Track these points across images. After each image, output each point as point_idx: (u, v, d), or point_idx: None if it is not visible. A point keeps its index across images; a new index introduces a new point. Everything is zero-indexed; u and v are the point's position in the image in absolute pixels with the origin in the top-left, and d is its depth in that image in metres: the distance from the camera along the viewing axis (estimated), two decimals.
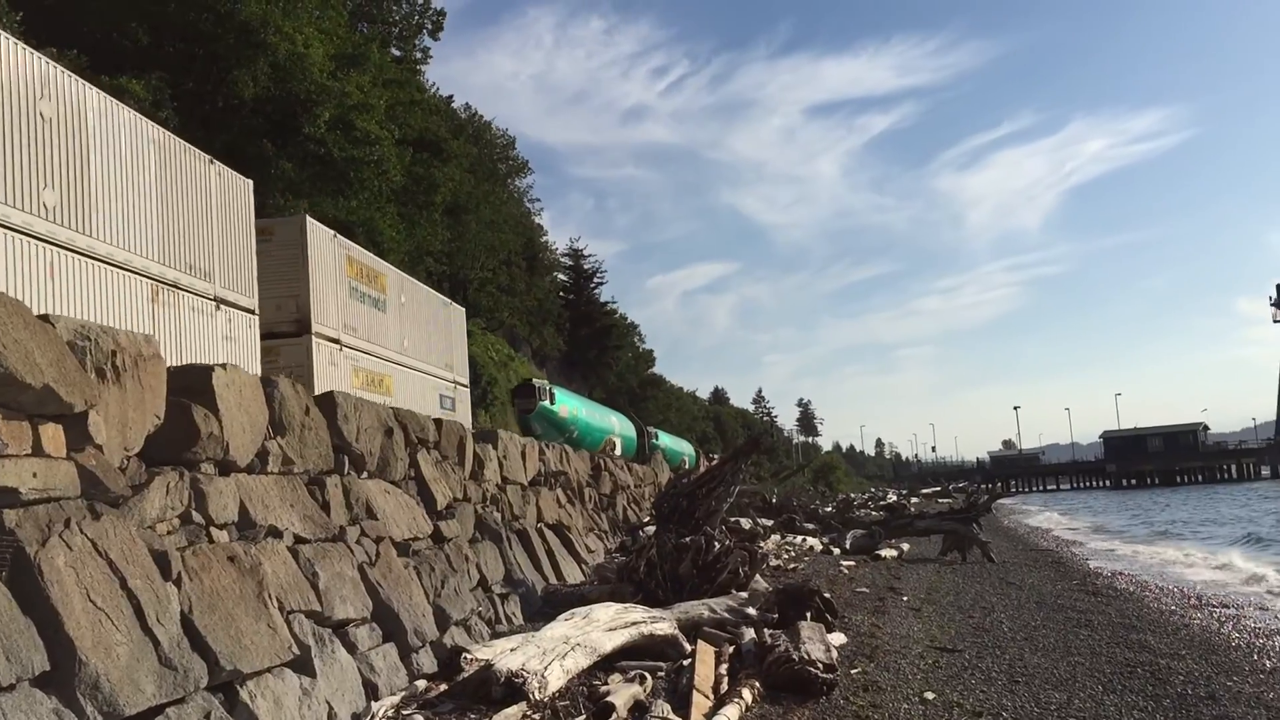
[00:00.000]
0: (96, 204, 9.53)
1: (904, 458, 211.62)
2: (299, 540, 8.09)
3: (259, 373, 10.52)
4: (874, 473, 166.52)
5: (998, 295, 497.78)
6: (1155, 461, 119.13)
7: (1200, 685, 9.59)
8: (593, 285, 62.94)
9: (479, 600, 11.50)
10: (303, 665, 7.13)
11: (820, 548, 24.06)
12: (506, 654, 8.03)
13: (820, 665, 8.75)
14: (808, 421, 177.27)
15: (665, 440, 47.59)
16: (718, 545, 13.43)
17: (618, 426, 36.15)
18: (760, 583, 14.38)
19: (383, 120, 24.76)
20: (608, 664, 8.97)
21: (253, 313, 12.46)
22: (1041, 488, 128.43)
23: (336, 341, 14.53)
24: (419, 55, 35.33)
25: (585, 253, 63.74)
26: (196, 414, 7.17)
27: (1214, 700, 8.97)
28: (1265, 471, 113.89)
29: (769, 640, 9.58)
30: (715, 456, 42.03)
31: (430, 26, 35.25)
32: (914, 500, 63.45)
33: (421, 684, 8.19)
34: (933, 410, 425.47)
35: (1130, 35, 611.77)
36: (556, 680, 7.92)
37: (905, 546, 24.90)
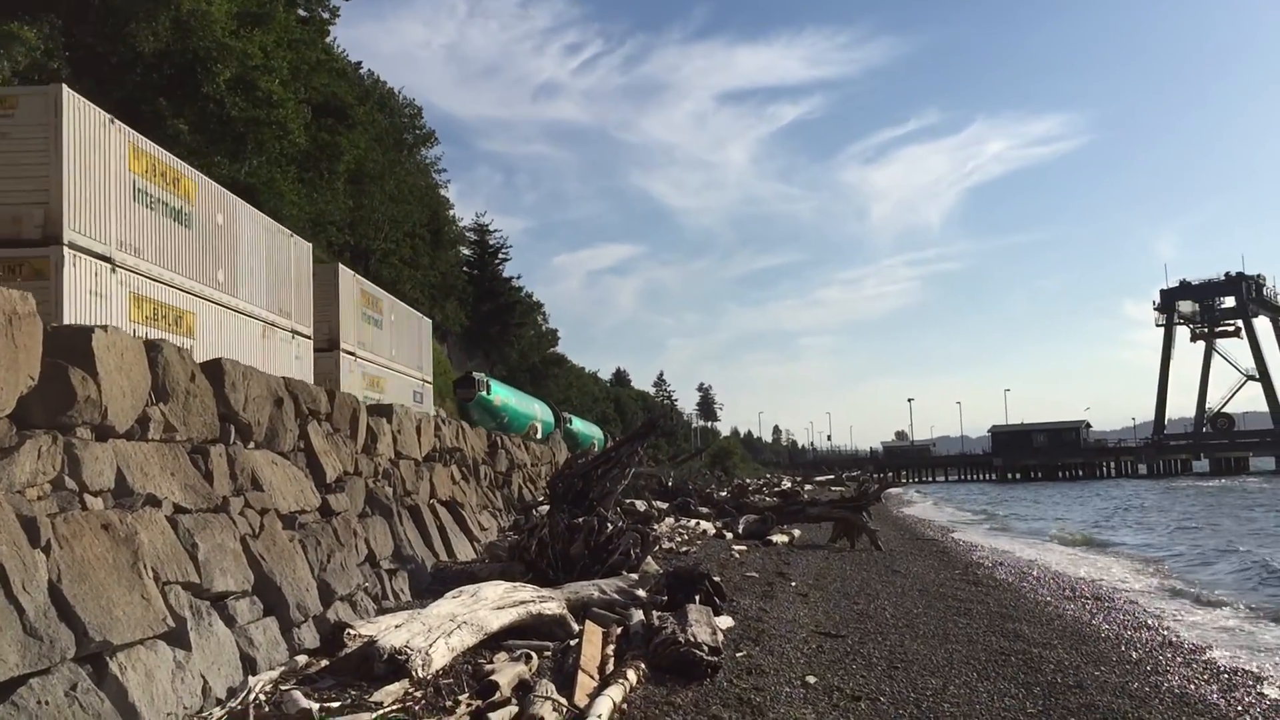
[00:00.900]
0: (241, 276, 13.68)
1: (800, 445, 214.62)
2: (179, 510, 7.86)
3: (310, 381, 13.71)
4: (770, 459, 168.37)
5: (898, 289, 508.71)
6: (1039, 457, 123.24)
7: (1069, 674, 9.93)
8: (498, 261, 62.49)
9: (366, 576, 11.33)
10: (178, 638, 6.94)
11: (714, 532, 24.28)
12: (391, 630, 7.94)
13: (706, 648, 8.82)
14: (708, 406, 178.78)
15: (579, 425, 50.53)
16: (610, 527, 13.45)
17: (540, 413, 39.02)
18: (652, 565, 14.47)
19: (286, 81, 24.14)
20: (495, 643, 8.93)
21: (309, 338, 16.22)
22: (931, 479, 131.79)
23: (353, 354, 18.43)
24: (326, 15, 34.42)
25: (491, 228, 63.30)
26: (74, 376, 6.90)
27: (1081, 689, 9.29)
28: (1143, 469, 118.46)
29: (657, 622, 9.63)
30: (615, 437, 42.29)
31: None
32: (807, 487, 64.43)
33: (302, 659, 8.06)
34: (830, 399, 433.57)
35: (1034, 42, 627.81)
36: (441, 658, 7.85)
37: (796, 533, 25.27)
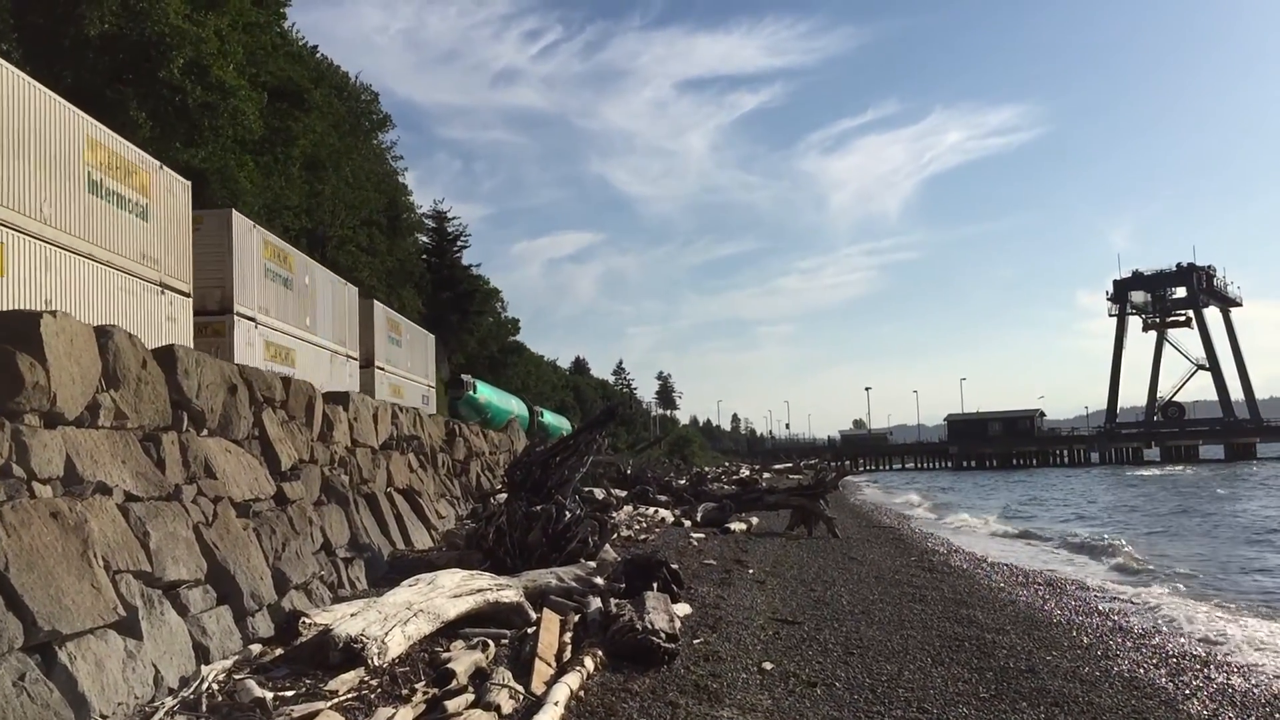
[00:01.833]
0: (318, 319, 18.43)
1: (759, 434, 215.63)
2: (130, 498, 7.76)
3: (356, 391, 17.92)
4: (729, 447, 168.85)
5: (856, 278, 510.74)
6: (994, 445, 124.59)
7: (1021, 659, 10.06)
8: (456, 249, 62.08)
9: (322, 564, 11.26)
10: (129, 627, 6.86)
11: (672, 520, 24.34)
12: (347, 619, 7.89)
13: (663, 635, 8.85)
14: (667, 395, 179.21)
15: (549, 418, 53.82)
16: (568, 514, 13.44)
17: (517, 408, 43.38)
18: (610, 553, 14.48)
19: (241, 67, 23.77)
20: (452, 631, 8.90)
21: (356, 359, 20.94)
22: (888, 467, 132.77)
23: (383, 369, 23.27)
24: None
25: (450, 215, 62.83)
26: (21, 362, 6.78)
27: (1033, 673, 9.41)
28: (1095, 457, 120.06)
29: (614, 610, 9.64)
30: (575, 426, 42.60)
31: None
32: (766, 475, 64.71)
33: (256, 648, 7.98)
34: (789, 388, 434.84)
35: (991, 32, 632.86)
36: (397, 646, 7.82)
37: (754, 520, 25.37)
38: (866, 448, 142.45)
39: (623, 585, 11.61)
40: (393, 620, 8.05)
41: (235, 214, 14.94)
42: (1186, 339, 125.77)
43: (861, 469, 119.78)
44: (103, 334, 8.08)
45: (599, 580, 11.67)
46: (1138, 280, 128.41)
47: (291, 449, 11.87)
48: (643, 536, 19.99)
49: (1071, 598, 15.72)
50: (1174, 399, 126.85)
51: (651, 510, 25.75)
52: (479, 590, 9.69)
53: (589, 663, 8.21)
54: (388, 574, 12.61)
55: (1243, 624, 14.21)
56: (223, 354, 13.08)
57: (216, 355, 11.38)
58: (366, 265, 42.16)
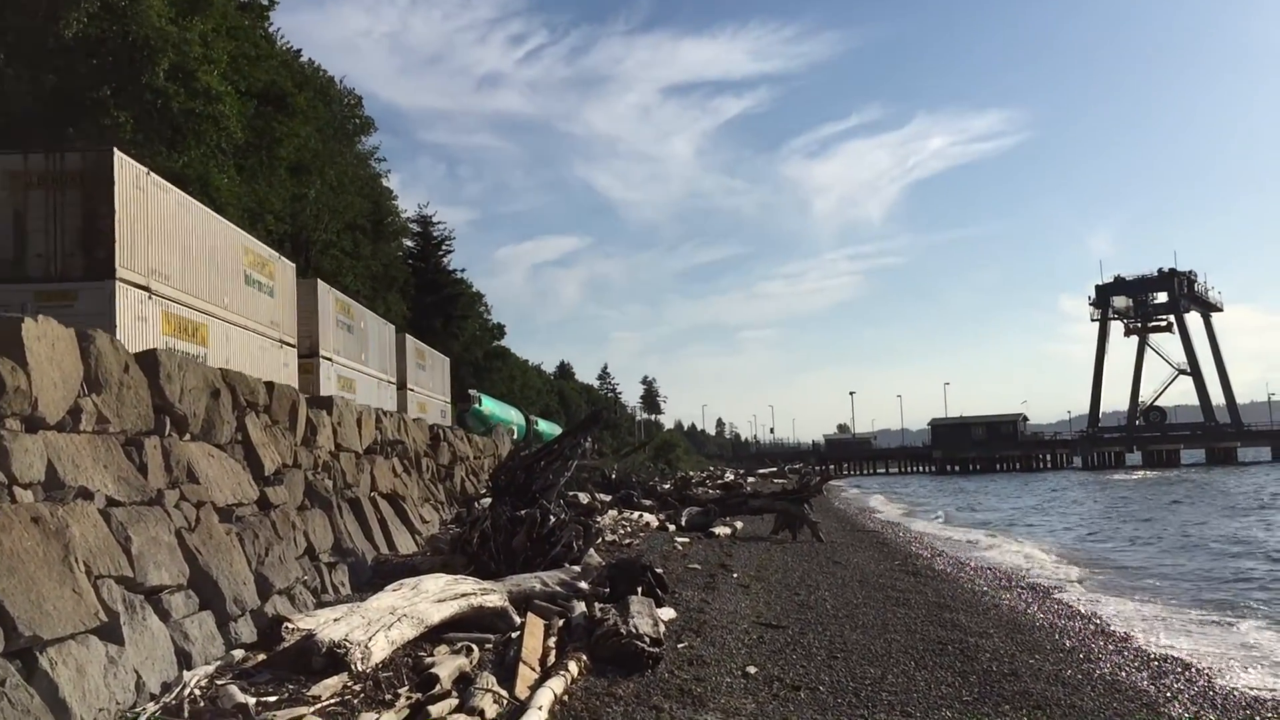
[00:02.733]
0: (369, 354, 23.40)
1: (743, 438, 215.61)
2: (112, 503, 7.72)
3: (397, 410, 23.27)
4: (714, 452, 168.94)
5: (839, 283, 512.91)
6: (978, 449, 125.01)
7: (1005, 662, 10.09)
8: (441, 253, 61.89)
9: (305, 569, 11.22)
10: (110, 632, 6.82)
11: (656, 524, 24.34)
12: (330, 624, 7.86)
13: (647, 639, 8.85)
14: (651, 399, 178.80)
15: (543, 425, 58.11)
16: (553, 519, 13.43)
17: (515, 418, 48.35)
18: (594, 557, 14.47)
19: (225, 73, 23.69)
20: (436, 635, 8.89)
21: (394, 384, 26.02)
22: (872, 471, 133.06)
23: (413, 390, 28.33)
24: (265, 2, 33.85)
25: (434, 220, 62.65)
26: (3, 366, 6.75)
27: (1016, 676, 9.45)
28: (1077, 461, 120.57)
29: (599, 614, 9.64)
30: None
31: None
32: (750, 480, 64.73)
33: (239, 653, 7.96)
34: (773, 392, 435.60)
35: (975, 38, 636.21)
36: (381, 651, 7.79)
37: (739, 525, 25.40)
38: (851, 452, 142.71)
39: (607, 590, 11.60)
40: (376, 625, 8.03)
41: (320, 283, 20.78)
42: (1168, 344, 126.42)
43: (846, 473, 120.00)
44: (84, 338, 8.04)
45: (583, 585, 11.65)
46: (1120, 285, 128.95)
47: (275, 453, 11.83)
48: (627, 541, 19.98)
49: (1054, 600, 15.80)
50: (1155, 404, 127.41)
51: (636, 515, 25.74)
52: (463, 595, 9.67)
53: (573, 667, 8.20)
54: (371, 579, 12.57)
55: (1223, 627, 14.30)
56: (313, 388, 18.53)
57: (309, 390, 17.10)
58: (350, 270, 42.04)
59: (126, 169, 12.42)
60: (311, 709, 6.56)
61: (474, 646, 8.54)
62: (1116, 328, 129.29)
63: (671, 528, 24.05)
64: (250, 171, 28.76)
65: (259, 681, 7.14)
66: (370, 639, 7.75)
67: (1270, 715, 8.95)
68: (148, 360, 9.14)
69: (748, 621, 11.68)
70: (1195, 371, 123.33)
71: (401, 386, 26.75)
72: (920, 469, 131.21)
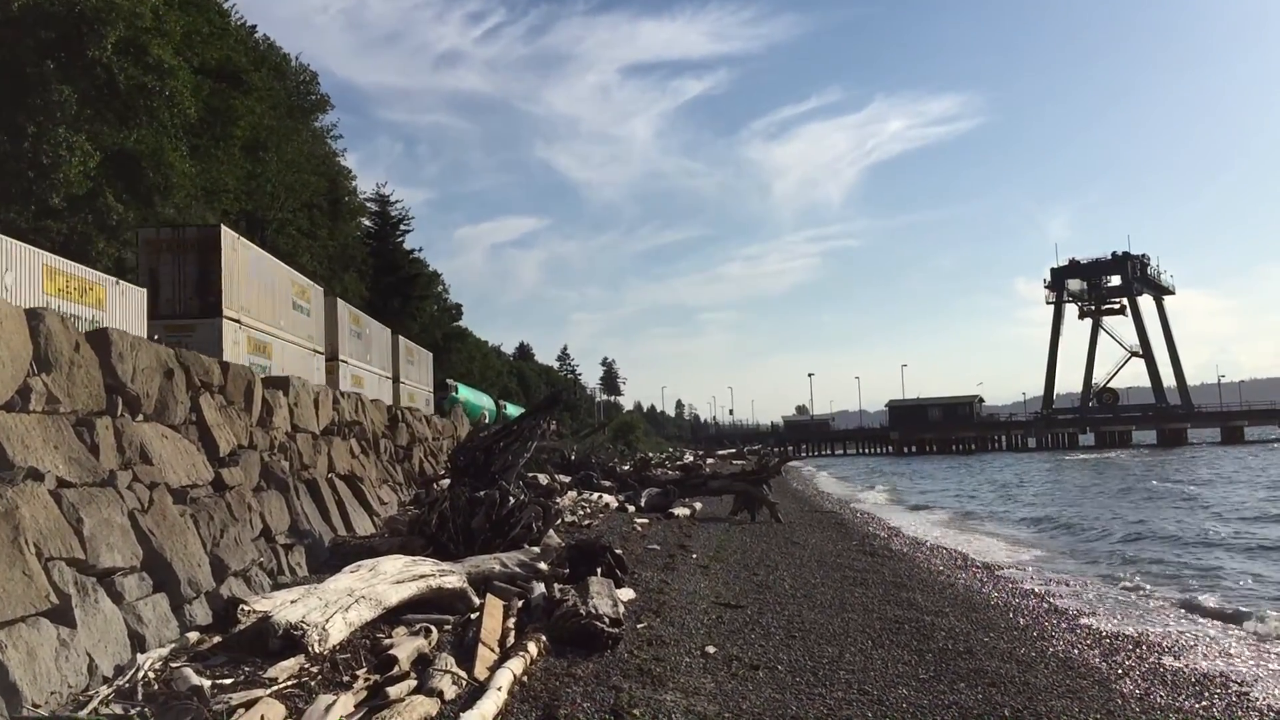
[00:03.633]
0: (373, 354, 27.82)
1: (703, 419, 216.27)
2: (63, 484, 7.59)
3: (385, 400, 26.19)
4: (673, 433, 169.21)
5: (799, 265, 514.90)
6: (934, 430, 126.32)
7: (960, 640, 10.21)
8: (399, 234, 61.41)
9: (261, 551, 11.12)
10: (61, 615, 6.72)
11: (616, 505, 24.37)
12: (286, 606, 7.79)
13: (607, 620, 8.86)
14: (611, 381, 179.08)
15: (511, 409, 58.16)
16: (513, 500, 13.40)
17: (487, 404, 51.82)
18: (554, 538, 14.46)
19: (179, 48, 23.26)
20: (395, 617, 8.84)
21: (390, 378, 29.91)
22: (830, 452, 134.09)
23: (404, 382, 31.96)
24: None
25: (392, 199, 62.13)
26: None
27: (971, 654, 9.56)
28: (1032, 442, 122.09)
29: (558, 595, 9.64)
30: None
31: None
32: (709, 461, 64.97)
33: (194, 636, 7.86)
34: (732, 374, 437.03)
35: (932, 21, 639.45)
36: (339, 633, 7.74)
37: (698, 506, 25.49)
38: (809, 433, 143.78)
39: (567, 571, 11.61)
40: (334, 607, 7.97)
41: (339, 301, 25.44)
42: (1121, 327, 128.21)
43: (804, 454, 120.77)
44: (34, 316, 7.89)
45: (543, 566, 11.65)
46: (1074, 269, 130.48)
47: (230, 434, 11.70)
48: (587, 522, 19.99)
49: (1008, 580, 16.00)
50: (1108, 385, 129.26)
51: (595, 496, 25.76)
52: (422, 576, 9.63)
53: (532, 648, 8.19)
54: (329, 560, 12.49)
55: (1175, 604, 14.55)
56: (335, 385, 21.19)
57: (331, 386, 19.63)
58: (307, 250, 41.64)
59: (227, 237, 17.25)
60: (268, 691, 6.49)
61: (433, 628, 8.50)
62: (1071, 310, 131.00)
63: (631, 509, 24.10)
64: (204, 150, 28.33)
65: (214, 664, 7.06)
66: (328, 621, 7.69)
67: (1218, 691, 9.11)
68: (99, 339, 8.99)
69: (707, 602, 11.73)
70: (1147, 354, 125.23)
71: (396, 380, 30.83)
72: (878, 450, 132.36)
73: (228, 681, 6.68)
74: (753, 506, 24.10)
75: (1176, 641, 11.61)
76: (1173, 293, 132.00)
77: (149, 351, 9.86)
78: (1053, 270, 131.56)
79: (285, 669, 6.91)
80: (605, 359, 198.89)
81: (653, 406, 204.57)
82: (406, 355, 33.06)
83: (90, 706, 6.19)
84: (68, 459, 7.83)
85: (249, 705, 6.19)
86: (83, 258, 17.33)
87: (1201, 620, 13.39)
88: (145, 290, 15.56)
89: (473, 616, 9.16)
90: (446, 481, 16.90)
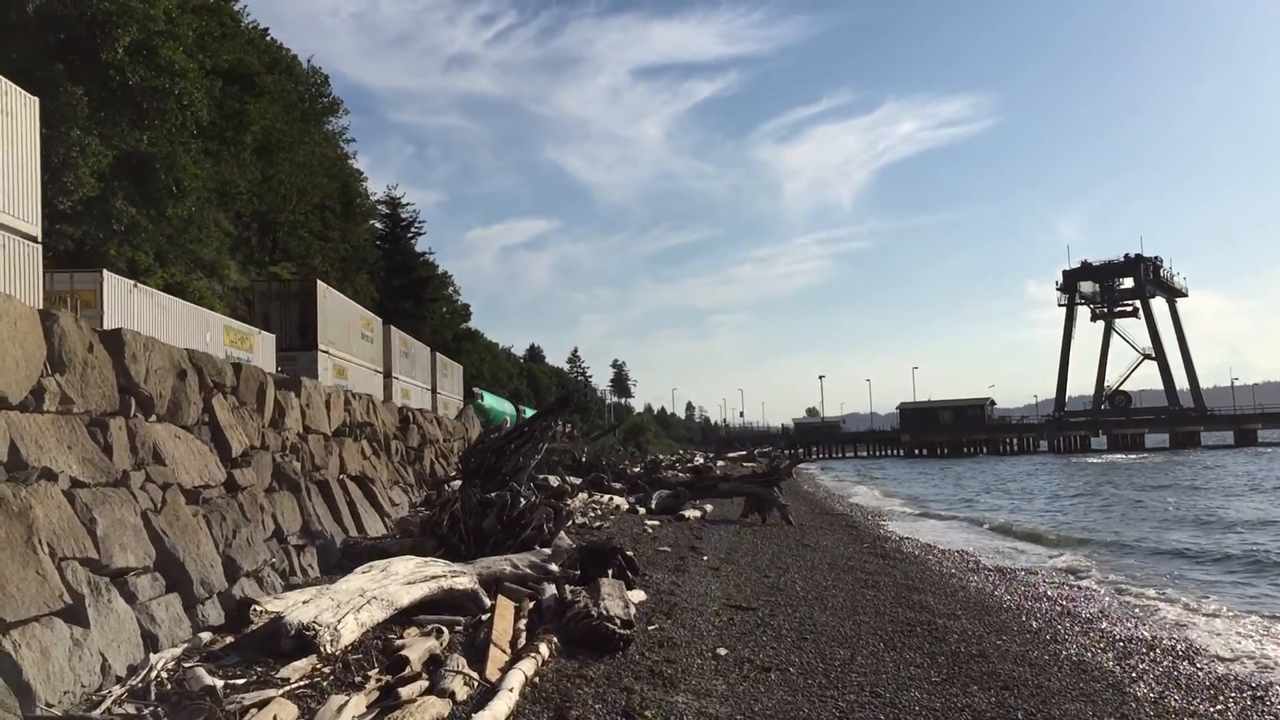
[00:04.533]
0: (416, 369, 32.91)
1: (713, 422, 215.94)
2: (76, 484, 7.62)
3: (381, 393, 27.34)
4: (683, 435, 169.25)
5: (809, 267, 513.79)
6: (945, 433, 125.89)
7: (973, 643, 10.17)
8: (410, 235, 61.53)
9: (273, 551, 11.15)
10: (75, 615, 6.74)
11: (627, 507, 24.36)
12: (299, 606, 7.81)
13: (618, 621, 8.85)
14: (621, 382, 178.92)
15: (528, 413, 58.26)
16: (523, 501, 13.40)
17: (509, 409, 54.18)
18: (565, 539, 14.45)
19: (190, 50, 23.32)
20: (406, 618, 8.84)
21: (427, 389, 34.68)
22: (841, 455, 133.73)
23: (438, 392, 36.09)
24: None
25: (403, 201, 62.28)
26: None
27: (984, 657, 9.52)
28: (1043, 445, 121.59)
29: (569, 596, 9.63)
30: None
31: None
32: (720, 464, 64.90)
33: (206, 636, 7.89)
34: (743, 376, 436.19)
35: (944, 23, 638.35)
36: (350, 633, 7.75)
37: (709, 508, 25.47)
38: (820, 436, 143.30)
39: (578, 572, 11.59)
40: (346, 607, 7.98)
41: (393, 328, 29.44)
42: (1133, 329, 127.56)
43: (815, 457, 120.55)
44: (48, 317, 7.92)
45: (554, 567, 11.64)
46: (1086, 271, 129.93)
47: (242, 435, 11.73)
48: (597, 524, 19.98)
49: (1020, 583, 15.93)
50: (1121, 388, 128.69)
51: (606, 498, 25.75)
52: (433, 577, 9.63)
53: (544, 649, 8.19)
54: (340, 561, 12.51)
55: (1195, 610, 14.47)
56: (390, 398, 26.37)
57: (388, 400, 25.50)
58: (319, 251, 41.77)
59: (320, 288, 22.84)
60: (280, 691, 6.50)
61: (444, 629, 8.50)
62: (1083, 313, 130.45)
63: (641, 510, 24.09)
64: (216, 153, 28.40)
65: (227, 664, 7.07)
66: (339, 621, 7.70)
67: (1233, 695, 9.06)
68: (112, 340, 9.02)
69: (718, 603, 11.71)
70: (1160, 356, 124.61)
71: (433, 391, 35.46)
72: (889, 452, 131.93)
73: (240, 682, 6.69)
74: (763, 509, 24.06)
75: (1190, 645, 11.55)
76: (1185, 294, 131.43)
77: (162, 352, 9.88)
78: (1065, 273, 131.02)
79: (298, 669, 6.92)
80: (615, 361, 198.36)
81: (663, 409, 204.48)
82: (442, 369, 37.95)
83: (103, 706, 6.20)
84: (81, 459, 7.85)
85: (261, 705, 6.20)
86: (97, 262, 17.39)
87: (1218, 624, 13.32)
88: (275, 335, 20.88)
89: (484, 617, 9.16)
90: (458, 483, 16.91)
